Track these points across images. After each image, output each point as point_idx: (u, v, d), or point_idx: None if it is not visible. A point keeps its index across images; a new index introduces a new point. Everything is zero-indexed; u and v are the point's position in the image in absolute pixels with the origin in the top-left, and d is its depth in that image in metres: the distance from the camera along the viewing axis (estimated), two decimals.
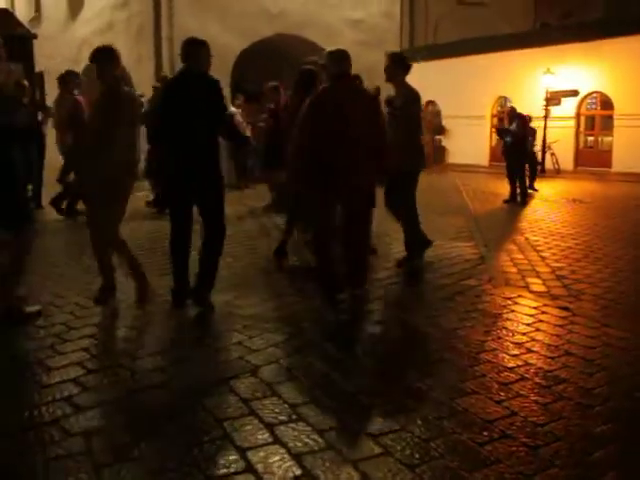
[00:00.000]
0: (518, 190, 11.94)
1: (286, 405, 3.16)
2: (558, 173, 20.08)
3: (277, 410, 3.10)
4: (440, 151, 25.33)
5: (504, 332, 4.32)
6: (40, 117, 9.96)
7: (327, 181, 4.73)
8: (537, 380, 3.48)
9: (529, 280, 5.94)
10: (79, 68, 15.98)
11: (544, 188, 15.36)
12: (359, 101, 4.83)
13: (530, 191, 13.19)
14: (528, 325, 4.46)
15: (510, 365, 3.70)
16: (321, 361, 3.78)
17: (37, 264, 5.68)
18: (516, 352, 3.92)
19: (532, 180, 13.80)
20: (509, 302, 5.09)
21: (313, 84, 5.74)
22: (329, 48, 5.02)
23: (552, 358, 3.82)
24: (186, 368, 3.71)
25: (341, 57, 4.85)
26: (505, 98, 23.17)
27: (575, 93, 20.75)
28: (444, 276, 5.98)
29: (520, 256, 7.06)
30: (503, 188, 12.61)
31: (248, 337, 4.16)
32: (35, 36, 12.69)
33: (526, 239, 8.16)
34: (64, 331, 4.29)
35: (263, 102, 10.45)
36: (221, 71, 13.34)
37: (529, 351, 3.94)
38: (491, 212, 11.09)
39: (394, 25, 16.23)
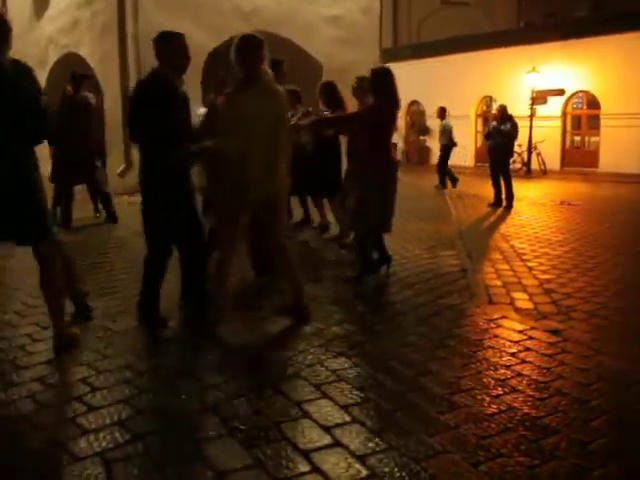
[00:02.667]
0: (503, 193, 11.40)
1: None
2: (544, 174, 19.63)
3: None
4: (424, 151, 24.81)
5: (484, 365, 3.69)
6: None
7: None
8: (522, 432, 2.86)
9: (515, 295, 5.37)
10: (46, 68, 15.32)
11: (530, 190, 14.88)
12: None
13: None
14: (513, 355, 3.85)
15: (490, 411, 3.07)
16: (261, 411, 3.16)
17: None
18: (498, 392, 3.30)
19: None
20: (492, 325, 4.48)
21: None
22: None
23: (541, 400, 3.20)
24: None
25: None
26: (490, 97, 22.68)
27: (561, 92, 20.31)
28: (420, 293, 5.36)
29: (505, 267, 6.49)
30: (488, 190, 12.05)
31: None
32: None
33: (512, 247, 7.59)
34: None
35: None
36: (192, 69, 12.64)
37: (513, 390, 3.32)
38: (475, 217, 10.50)
39: (373, 21, 15.57)
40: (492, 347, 4.00)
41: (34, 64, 12.67)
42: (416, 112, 25.70)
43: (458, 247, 7.50)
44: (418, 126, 25.42)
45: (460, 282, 5.77)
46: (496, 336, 4.22)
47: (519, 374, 3.54)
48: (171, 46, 4.22)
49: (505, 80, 21.32)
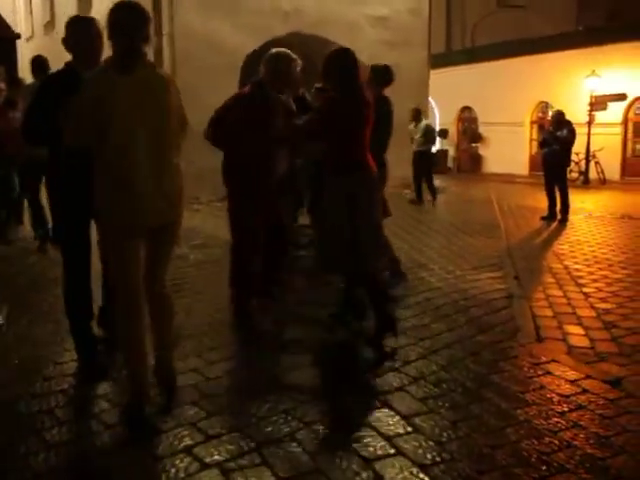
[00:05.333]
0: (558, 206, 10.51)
1: None
2: (603, 184, 18.53)
3: None
4: (476, 159, 23.89)
5: (525, 430, 2.96)
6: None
7: None
8: None
9: (568, 329, 4.65)
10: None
11: (588, 201, 13.88)
12: None
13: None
14: (561, 416, 3.11)
15: None
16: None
17: None
18: (541, 471, 2.59)
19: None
20: (538, 371, 3.74)
21: None
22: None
23: None
24: None
25: None
26: (546, 103, 21.62)
27: (623, 97, 19.12)
28: (457, 326, 4.64)
29: (558, 293, 5.74)
30: (542, 202, 11.17)
31: None
32: (18, 36, 11.85)
33: (566, 268, 6.80)
34: None
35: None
36: (229, 72, 12.23)
37: (560, 469, 2.59)
38: (526, 232, 9.66)
39: (422, 23, 14.88)
40: (537, 403, 3.28)
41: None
42: (468, 118, 24.80)
43: (506, 268, 6.75)
44: (470, 133, 24.52)
45: (505, 312, 5.05)
46: (542, 387, 3.49)
47: (568, 445, 2.82)
48: (68, 33, 3.63)
49: (562, 85, 20.24)
